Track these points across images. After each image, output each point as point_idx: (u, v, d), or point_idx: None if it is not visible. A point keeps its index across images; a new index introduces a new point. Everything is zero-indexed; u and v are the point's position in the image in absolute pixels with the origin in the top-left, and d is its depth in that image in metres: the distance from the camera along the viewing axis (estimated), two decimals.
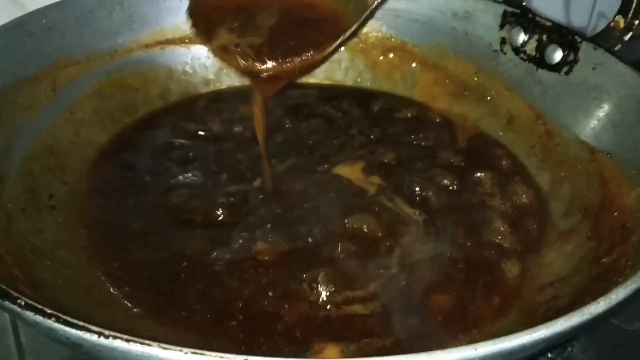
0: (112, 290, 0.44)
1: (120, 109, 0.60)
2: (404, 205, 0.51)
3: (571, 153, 0.54)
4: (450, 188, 0.54)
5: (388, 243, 0.48)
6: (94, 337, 0.28)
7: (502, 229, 0.49)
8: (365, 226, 0.49)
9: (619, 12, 0.53)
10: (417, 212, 0.51)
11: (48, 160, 0.53)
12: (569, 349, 0.49)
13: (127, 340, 0.27)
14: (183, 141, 0.59)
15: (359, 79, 0.68)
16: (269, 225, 0.48)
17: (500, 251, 0.48)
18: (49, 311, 0.29)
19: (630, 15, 0.53)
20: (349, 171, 0.54)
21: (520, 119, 0.59)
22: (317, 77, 0.68)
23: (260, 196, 0.51)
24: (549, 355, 0.48)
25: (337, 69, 0.69)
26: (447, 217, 0.51)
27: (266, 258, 0.46)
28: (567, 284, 0.43)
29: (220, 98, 0.65)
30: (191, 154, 0.57)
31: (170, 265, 0.46)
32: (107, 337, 0.28)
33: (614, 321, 0.51)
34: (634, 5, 0.52)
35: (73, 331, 0.28)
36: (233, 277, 0.45)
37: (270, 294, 0.43)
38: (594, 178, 0.50)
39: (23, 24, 0.54)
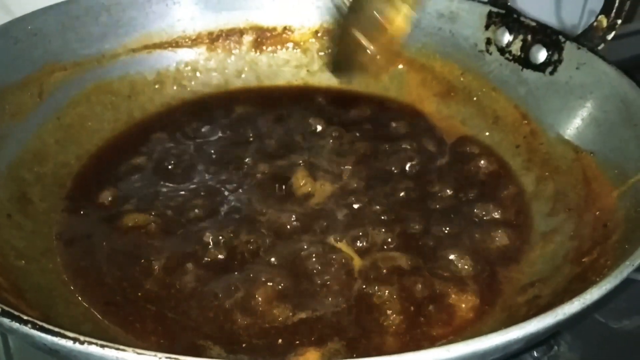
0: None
1: (108, 113, 0.61)
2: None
3: (556, 152, 0.54)
4: (439, 194, 0.54)
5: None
6: (69, 343, 0.28)
7: (488, 234, 0.50)
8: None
9: (601, 12, 0.53)
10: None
11: (35, 166, 0.53)
12: (556, 347, 0.49)
13: (102, 346, 0.28)
14: (172, 150, 0.59)
15: (346, 81, 0.68)
16: None
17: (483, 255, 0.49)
18: (25, 318, 0.29)
19: (612, 15, 0.53)
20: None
21: (505, 118, 0.60)
22: (306, 79, 0.69)
23: None
24: (535, 354, 0.48)
25: (326, 70, 0.69)
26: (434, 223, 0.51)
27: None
28: (549, 284, 0.43)
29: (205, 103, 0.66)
30: (173, 161, 0.57)
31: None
32: (82, 342, 0.28)
33: (601, 319, 0.51)
34: (616, 5, 0.52)
35: (49, 337, 0.28)
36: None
37: None
38: (577, 177, 0.50)
39: (8, 30, 0.55)
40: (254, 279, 0.45)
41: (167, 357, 0.27)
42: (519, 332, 0.30)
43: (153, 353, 0.27)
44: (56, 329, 0.28)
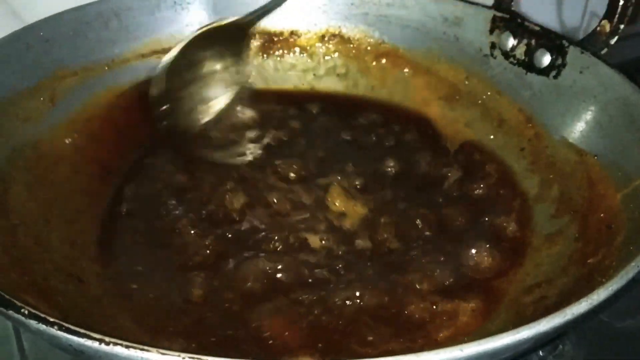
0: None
1: (118, 119, 0.61)
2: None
3: (560, 155, 0.55)
4: (440, 200, 0.55)
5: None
6: (95, 344, 0.29)
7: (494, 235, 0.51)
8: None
9: (604, 17, 0.54)
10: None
11: (46, 170, 0.53)
12: (560, 346, 0.50)
13: (127, 347, 0.28)
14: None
15: (352, 85, 0.69)
16: None
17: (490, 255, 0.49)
18: (51, 319, 0.30)
19: (615, 19, 0.54)
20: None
21: (510, 122, 0.60)
22: (312, 83, 0.70)
23: None
24: (541, 353, 0.49)
25: (332, 74, 0.70)
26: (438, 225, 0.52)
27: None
28: (554, 284, 0.44)
29: None
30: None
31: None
32: (107, 343, 0.29)
33: (605, 318, 0.52)
34: (619, 10, 0.53)
35: (75, 338, 0.29)
36: None
37: None
38: (581, 180, 0.51)
39: (21, 37, 0.55)
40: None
41: (190, 357, 0.28)
42: (529, 332, 0.30)
43: (177, 353, 0.28)
44: (82, 331, 0.29)
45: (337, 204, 0.53)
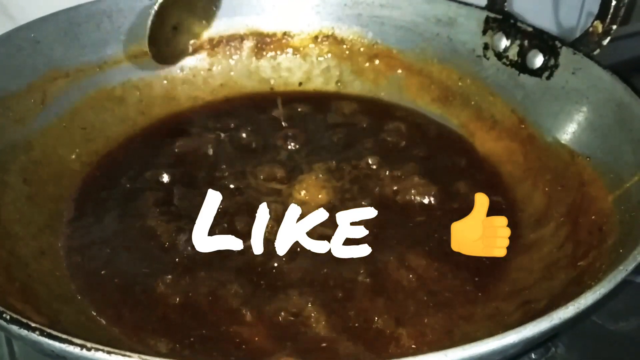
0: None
1: (110, 119, 0.61)
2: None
3: (552, 157, 0.54)
4: (427, 201, 0.54)
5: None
6: (76, 350, 0.29)
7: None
8: None
9: (597, 18, 0.54)
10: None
11: (40, 172, 0.53)
12: (553, 349, 0.49)
13: (109, 352, 0.28)
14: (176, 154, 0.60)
15: (345, 86, 0.69)
16: None
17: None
18: (33, 325, 0.30)
19: (608, 20, 0.53)
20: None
21: (503, 123, 0.60)
22: (305, 84, 0.69)
23: None
24: (533, 355, 0.49)
25: (325, 75, 0.69)
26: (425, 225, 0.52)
27: None
28: (545, 287, 0.44)
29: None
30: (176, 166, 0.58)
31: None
32: (89, 349, 0.29)
33: (598, 321, 0.51)
34: (611, 11, 0.53)
35: (56, 344, 0.29)
36: None
37: None
38: (573, 181, 0.51)
39: (12, 38, 0.55)
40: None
41: None
42: (515, 336, 0.30)
43: (158, 358, 0.28)
44: (64, 336, 0.29)
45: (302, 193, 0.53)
